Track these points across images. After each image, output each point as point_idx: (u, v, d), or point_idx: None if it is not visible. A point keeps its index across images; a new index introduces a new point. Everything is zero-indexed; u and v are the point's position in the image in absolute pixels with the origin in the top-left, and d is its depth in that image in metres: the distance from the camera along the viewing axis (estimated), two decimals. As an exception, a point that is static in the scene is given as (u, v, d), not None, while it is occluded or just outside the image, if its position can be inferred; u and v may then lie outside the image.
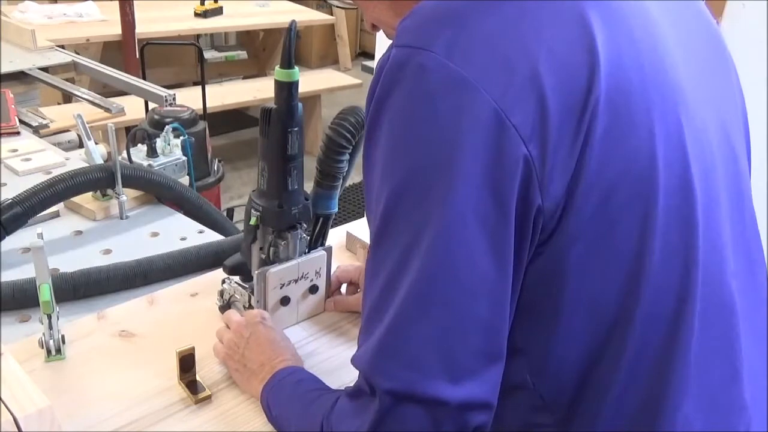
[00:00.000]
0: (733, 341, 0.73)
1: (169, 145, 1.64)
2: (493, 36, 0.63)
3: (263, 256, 1.05)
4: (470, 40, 0.63)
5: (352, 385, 0.72)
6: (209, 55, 4.95)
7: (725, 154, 0.74)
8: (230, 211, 2.63)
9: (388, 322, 0.64)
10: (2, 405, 0.74)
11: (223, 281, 1.10)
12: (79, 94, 2.25)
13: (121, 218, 1.45)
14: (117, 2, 3.25)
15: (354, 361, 0.69)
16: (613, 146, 0.64)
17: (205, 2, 3.83)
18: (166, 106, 2.11)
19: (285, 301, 1.07)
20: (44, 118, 2.01)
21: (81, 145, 1.89)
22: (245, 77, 4.64)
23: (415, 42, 0.64)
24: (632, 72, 0.66)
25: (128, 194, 1.45)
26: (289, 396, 0.87)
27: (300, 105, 0.97)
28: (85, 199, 1.44)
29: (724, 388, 0.73)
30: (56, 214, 1.43)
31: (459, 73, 0.61)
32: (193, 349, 0.96)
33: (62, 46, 2.61)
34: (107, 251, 1.34)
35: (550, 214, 0.63)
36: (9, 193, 1.27)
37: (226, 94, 3.64)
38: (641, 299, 0.67)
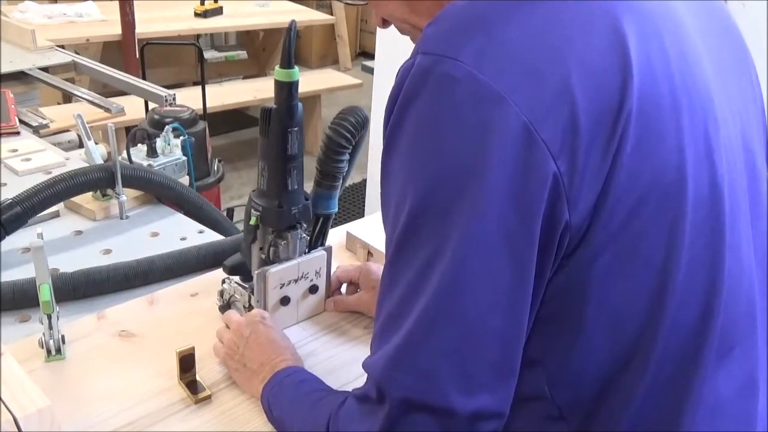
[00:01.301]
0: (753, 352, 0.73)
1: (169, 145, 1.64)
2: (523, 45, 0.62)
3: (263, 256, 1.05)
4: (499, 49, 0.61)
5: (357, 386, 0.72)
6: (209, 55, 4.96)
7: (746, 159, 0.74)
8: (230, 211, 2.62)
9: (405, 332, 0.64)
10: (2, 405, 0.74)
11: (223, 281, 1.10)
12: (79, 94, 2.25)
13: (121, 218, 1.44)
14: (117, 2, 3.25)
15: (366, 366, 0.69)
16: (643, 158, 0.63)
17: (205, 2, 3.83)
18: (166, 106, 2.11)
19: (285, 301, 1.07)
20: (44, 118, 2.01)
21: (81, 145, 1.89)
22: (245, 77, 4.64)
23: (442, 50, 0.62)
24: (663, 81, 0.65)
25: (128, 194, 1.45)
26: (291, 397, 0.87)
27: (300, 105, 0.97)
28: (85, 199, 1.44)
29: (741, 400, 0.72)
30: (56, 214, 1.43)
31: (488, 84, 0.60)
32: (193, 349, 0.96)
33: (62, 46, 2.61)
34: (107, 251, 1.34)
35: (576, 228, 0.62)
36: (9, 193, 1.27)
37: (226, 94, 3.64)
38: (666, 311, 0.66)
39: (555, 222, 0.62)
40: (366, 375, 0.70)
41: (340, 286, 1.18)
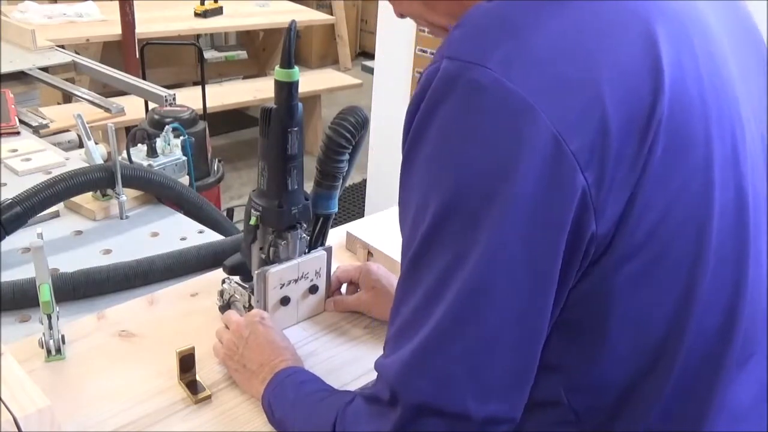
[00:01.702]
0: (765, 359, 0.73)
1: (169, 145, 1.64)
2: (552, 51, 0.60)
3: (263, 256, 1.05)
4: (528, 55, 0.60)
5: (357, 386, 0.72)
6: (209, 55, 4.96)
7: (766, 160, 0.73)
8: (230, 211, 2.62)
9: (422, 338, 0.64)
10: (2, 405, 0.74)
11: (223, 281, 1.10)
12: (79, 94, 2.25)
13: (121, 218, 1.44)
14: (117, 2, 3.25)
15: (379, 368, 0.69)
16: (672, 165, 0.62)
17: (205, 2, 3.83)
18: (166, 106, 2.11)
19: (285, 301, 1.07)
20: (44, 118, 2.01)
21: (81, 145, 1.89)
22: (245, 77, 4.64)
23: (469, 55, 0.61)
24: (693, 85, 0.64)
25: (128, 194, 1.45)
26: (293, 397, 0.87)
27: (300, 105, 0.97)
28: (85, 199, 1.44)
29: (758, 407, 0.72)
30: (56, 214, 1.43)
31: (517, 93, 0.59)
32: (193, 349, 0.96)
33: (62, 46, 2.61)
34: (107, 251, 1.34)
35: (602, 237, 0.62)
36: (9, 193, 1.27)
37: (226, 94, 3.64)
38: (691, 317, 0.66)
39: (581, 234, 0.61)
40: (376, 376, 0.70)
41: (340, 286, 1.18)
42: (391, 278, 1.12)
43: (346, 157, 1.05)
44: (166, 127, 1.67)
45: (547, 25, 0.61)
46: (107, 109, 2.19)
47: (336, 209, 1.10)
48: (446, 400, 0.63)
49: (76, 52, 2.86)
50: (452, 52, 0.62)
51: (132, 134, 1.66)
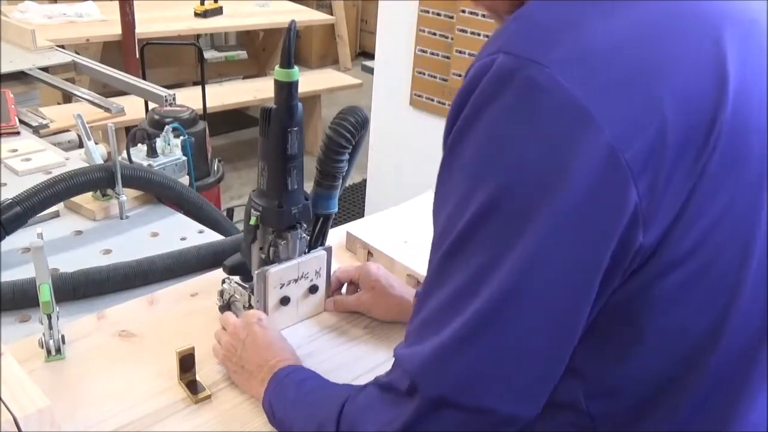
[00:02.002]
0: None
1: (169, 145, 1.64)
2: (613, 52, 0.58)
3: (263, 256, 1.05)
4: (587, 55, 0.58)
5: (368, 379, 0.71)
6: (209, 55, 4.96)
7: None
8: (230, 211, 2.62)
9: (451, 333, 0.63)
10: (2, 405, 0.74)
11: (223, 281, 1.10)
12: (79, 94, 2.25)
13: (121, 218, 1.44)
14: (117, 2, 3.25)
15: (400, 357, 0.68)
16: (725, 179, 0.61)
17: (205, 2, 3.83)
18: (166, 106, 2.11)
19: (285, 301, 1.07)
20: (44, 118, 2.01)
21: (81, 145, 1.89)
22: (245, 77, 4.64)
23: (526, 52, 0.59)
24: (755, 95, 0.62)
25: (128, 194, 1.45)
26: (294, 395, 0.87)
27: (300, 105, 0.97)
28: (85, 199, 1.44)
29: None
30: (56, 214, 1.43)
31: (574, 95, 0.57)
32: (193, 349, 0.96)
33: (62, 46, 2.61)
34: (107, 251, 1.34)
35: (647, 249, 0.60)
36: (9, 193, 1.27)
37: (226, 94, 3.64)
38: (725, 333, 0.65)
39: (627, 246, 0.60)
40: (393, 363, 0.70)
41: (341, 287, 1.18)
42: (391, 278, 1.12)
43: (346, 157, 1.05)
44: (166, 127, 1.67)
45: (610, 23, 0.59)
46: (107, 109, 2.19)
47: (336, 209, 1.10)
48: (467, 397, 0.63)
49: (76, 52, 2.86)
50: (510, 46, 0.60)
51: (132, 134, 1.66)
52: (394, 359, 0.70)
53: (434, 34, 2.23)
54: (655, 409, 0.68)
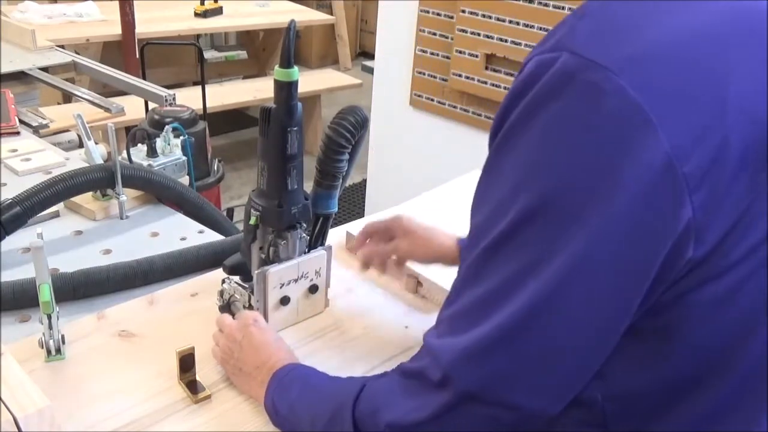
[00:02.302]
0: None
1: (169, 145, 1.64)
2: (681, 57, 0.57)
3: (263, 256, 1.05)
4: (654, 60, 0.57)
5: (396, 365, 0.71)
6: (209, 55, 4.96)
7: None
8: (230, 211, 2.62)
9: (490, 330, 0.63)
10: (2, 405, 0.74)
11: (223, 281, 1.10)
12: (79, 94, 2.25)
13: (121, 218, 1.44)
14: (117, 2, 3.25)
15: (432, 346, 0.68)
16: None
17: (205, 2, 3.83)
18: (166, 106, 2.11)
19: (285, 300, 1.07)
20: (44, 118, 2.01)
21: (81, 145, 1.89)
22: (245, 77, 4.64)
23: (592, 53, 0.57)
24: None
25: (128, 194, 1.45)
26: (299, 391, 0.87)
27: (300, 105, 0.97)
28: (85, 199, 1.44)
29: None
30: (56, 214, 1.43)
31: (638, 104, 0.55)
32: (193, 349, 0.96)
33: (62, 46, 2.61)
34: (107, 251, 1.34)
35: (696, 261, 0.60)
36: (9, 193, 1.27)
37: (226, 94, 3.64)
38: (756, 339, 0.65)
39: (676, 259, 0.59)
40: (421, 349, 0.70)
41: (366, 240, 1.16)
42: (425, 225, 1.12)
43: (346, 156, 1.05)
44: (166, 127, 1.67)
45: (676, 24, 0.58)
46: (107, 109, 2.19)
47: (336, 209, 1.10)
48: (498, 392, 0.63)
49: (76, 52, 2.86)
50: (575, 46, 0.58)
51: (132, 134, 1.66)
52: (423, 346, 0.70)
53: (434, 34, 2.23)
54: (670, 412, 0.68)
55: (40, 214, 1.31)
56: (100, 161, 1.47)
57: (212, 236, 1.42)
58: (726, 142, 0.57)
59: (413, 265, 1.20)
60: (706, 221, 0.58)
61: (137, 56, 3.10)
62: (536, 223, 0.60)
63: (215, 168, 2.28)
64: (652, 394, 0.68)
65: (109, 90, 2.61)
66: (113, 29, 3.31)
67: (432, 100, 2.31)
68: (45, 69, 2.31)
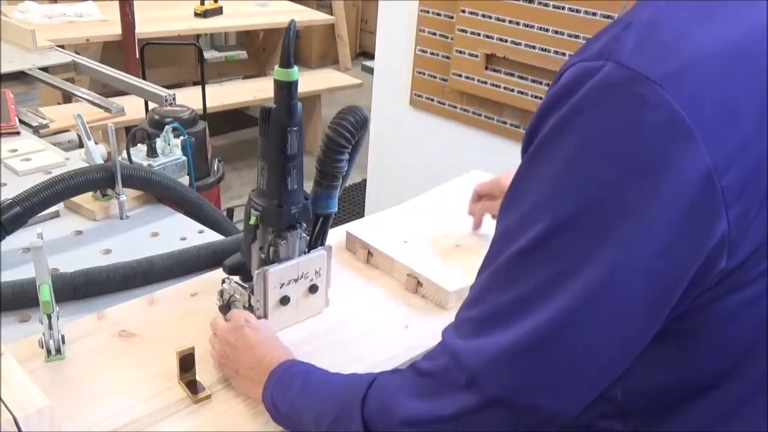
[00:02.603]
0: None
1: (169, 145, 1.64)
2: (722, 72, 0.57)
3: (263, 256, 1.05)
4: (697, 75, 0.57)
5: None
6: (209, 55, 4.96)
7: None
8: (230, 211, 2.62)
9: (521, 335, 0.63)
10: (2, 405, 0.74)
11: (223, 281, 1.10)
12: (79, 94, 2.25)
13: (121, 218, 1.44)
14: (117, 2, 3.25)
15: (458, 349, 0.67)
16: None
17: (205, 2, 3.83)
18: (166, 106, 2.11)
19: (285, 300, 1.07)
20: (44, 118, 2.01)
21: (81, 145, 1.89)
22: (245, 77, 4.64)
23: (638, 65, 0.57)
24: None
25: (128, 194, 1.45)
26: (300, 388, 0.86)
27: (299, 105, 0.97)
28: (85, 199, 1.44)
29: None
30: (56, 214, 1.43)
31: (681, 117, 0.56)
32: (193, 349, 0.96)
33: (62, 46, 2.61)
34: (107, 251, 1.34)
35: (727, 271, 0.60)
36: (9, 193, 1.27)
37: (226, 94, 3.64)
38: None
39: (708, 270, 0.60)
40: (439, 347, 0.70)
41: (479, 199, 1.31)
42: None
43: (346, 156, 1.05)
44: (166, 127, 1.67)
45: (721, 38, 0.58)
46: (107, 109, 2.19)
47: (336, 209, 1.10)
48: (526, 397, 0.63)
49: (76, 52, 2.86)
50: (621, 57, 0.58)
51: (132, 134, 1.66)
52: (441, 345, 0.70)
53: (434, 34, 2.23)
54: (688, 409, 0.68)
55: (40, 214, 1.31)
56: (100, 161, 1.47)
57: (212, 236, 1.42)
58: (763, 160, 0.57)
59: (413, 265, 1.21)
60: (739, 235, 0.58)
61: (137, 56, 3.10)
62: (572, 231, 0.61)
63: (215, 168, 2.28)
64: (672, 393, 0.68)
65: (109, 90, 2.61)
66: (113, 29, 3.31)
67: (432, 100, 2.31)
68: (45, 69, 2.31)
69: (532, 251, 0.63)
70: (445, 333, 0.71)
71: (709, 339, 0.65)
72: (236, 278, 1.09)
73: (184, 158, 1.65)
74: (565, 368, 0.63)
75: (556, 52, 1.90)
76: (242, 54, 5.06)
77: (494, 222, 1.27)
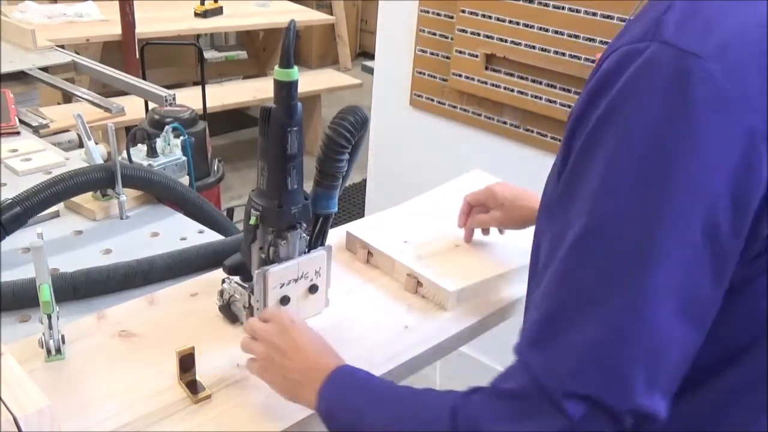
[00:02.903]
0: None
1: (169, 145, 1.64)
2: (763, 37, 0.60)
3: (263, 256, 1.05)
4: (742, 45, 0.60)
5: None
6: (209, 55, 4.97)
7: None
8: (230, 211, 2.62)
9: (596, 334, 0.63)
10: (2, 405, 0.75)
11: (223, 281, 1.10)
12: (79, 94, 2.25)
13: (121, 218, 1.45)
14: (117, 2, 3.25)
15: (534, 363, 0.66)
16: None
17: (205, 2, 3.83)
18: (166, 106, 2.11)
19: (285, 300, 1.07)
20: (44, 118, 2.01)
21: (81, 145, 1.89)
22: (245, 77, 4.65)
23: (683, 42, 0.60)
24: None
25: (128, 194, 1.45)
26: (367, 399, 0.82)
27: (299, 104, 0.97)
28: (85, 199, 1.44)
29: None
30: (56, 214, 1.43)
31: (727, 89, 0.59)
32: (193, 349, 0.96)
33: (62, 46, 2.61)
34: (107, 251, 1.34)
35: (764, 240, 0.62)
36: (9, 193, 1.27)
37: (226, 94, 3.64)
38: None
39: (754, 237, 0.62)
40: (514, 369, 0.69)
41: (470, 210, 1.29)
42: (516, 191, 1.23)
43: (346, 156, 1.05)
44: (166, 127, 1.67)
45: (761, 8, 0.61)
46: (107, 109, 2.18)
47: (336, 209, 1.10)
48: (619, 397, 0.63)
49: (76, 52, 2.86)
50: (666, 36, 0.61)
51: (132, 134, 1.66)
52: (519, 364, 0.68)
53: (434, 34, 2.23)
54: (705, 387, 0.69)
55: (40, 214, 1.31)
56: (100, 161, 1.47)
57: (212, 236, 1.42)
58: None
59: (413, 265, 1.21)
60: None
61: (137, 56, 3.10)
62: (629, 214, 0.62)
63: (215, 168, 2.28)
64: (693, 365, 0.68)
65: (109, 90, 2.61)
66: (113, 29, 3.31)
67: (432, 100, 2.31)
68: (45, 69, 2.31)
69: (589, 238, 0.64)
70: (519, 350, 0.69)
71: (738, 313, 0.66)
72: (236, 278, 1.09)
73: (184, 158, 1.65)
74: (649, 358, 0.62)
75: (556, 52, 1.90)
76: (242, 54, 5.06)
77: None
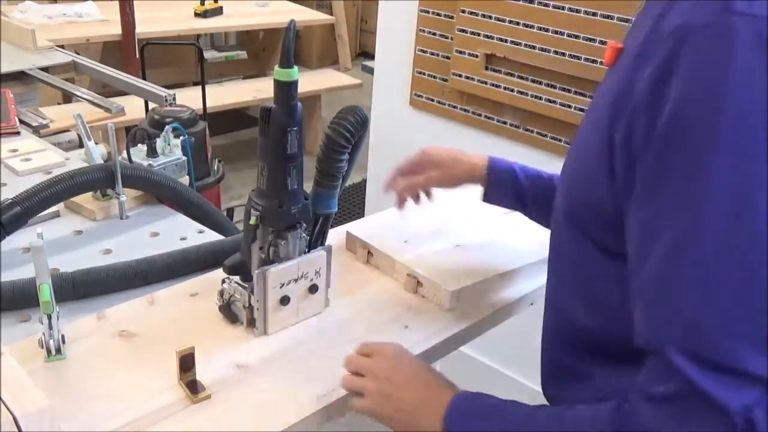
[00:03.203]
0: None
1: (169, 145, 1.64)
2: None
3: (263, 256, 1.05)
4: None
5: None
6: (209, 55, 4.97)
7: None
8: (230, 211, 2.63)
9: (732, 307, 0.64)
10: (2, 405, 0.75)
11: (223, 281, 1.10)
12: (79, 94, 2.25)
13: (121, 218, 1.45)
14: (117, 2, 3.25)
15: (683, 368, 0.65)
16: None
17: (205, 2, 3.83)
18: (166, 106, 2.11)
19: (285, 300, 1.07)
20: (44, 118, 2.01)
21: (81, 145, 1.89)
22: (245, 77, 4.65)
23: (752, 9, 0.62)
24: None
25: (128, 194, 1.45)
26: (500, 423, 0.81)
27: (300, 104, 0.97)
28: (85, 199, 1.44)
29: None
30: (56, 214, 1.43)
31: None
32: (193, 348, 0.96)
33: (62, 46, 2.61)
34: (107, 251, 1.34)
35: None
36: (9, 193, 1.27)
37: (226, 94, 3.64)
38: None
39: None
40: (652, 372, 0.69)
41: (402, 175, 1.20)
42: (453, 151, 1.17)
43: (346, 156, 1.05)
44: (166, 127, 1.67)
45: None
46: (107, 109, 2.19)
47: (336, 209, 1.10)
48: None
49: (76, 52, 2.86)
50: (734, 9, 0.63)
51: (132, 134, 1.66)
52: (664, 363, 0.67)
53: (434, 34, 2.23)
54: None
55: (40, 214, 1.31)
56: (100, 161, 1.47)
57: (212, 236, 1.42)
58: None
59: (413, 265, 1.20)
60: None
61: (137, 56, 3.10)
62: (729, 186, 0.63)
63: (215, 168, 2.28)
64: None
65: (109, 90, 2.61)
66: (113, 29, 3.31)
67: (432, 100, 2.31)
68: (45, 69, 2.31)
69: (742, 234, 0.64)
70: (666, 348, 0.67)
71: None
72: (236, 278, 1.09)
73: (184, 158, 1.65)
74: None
75: (556, 52, 1.90)
76: (242, 54, 5.06)
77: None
